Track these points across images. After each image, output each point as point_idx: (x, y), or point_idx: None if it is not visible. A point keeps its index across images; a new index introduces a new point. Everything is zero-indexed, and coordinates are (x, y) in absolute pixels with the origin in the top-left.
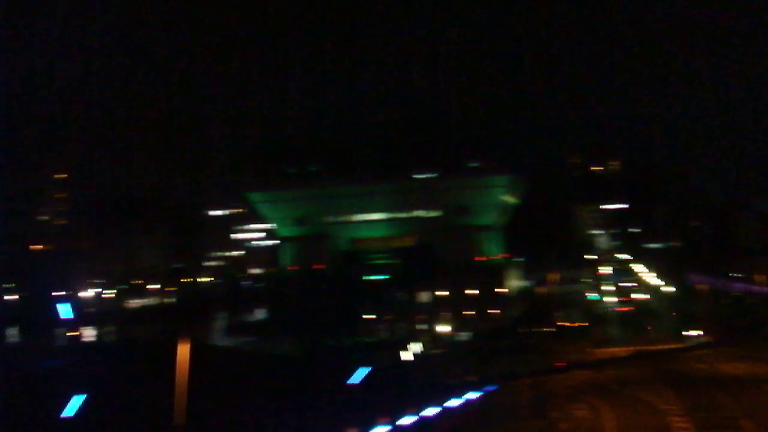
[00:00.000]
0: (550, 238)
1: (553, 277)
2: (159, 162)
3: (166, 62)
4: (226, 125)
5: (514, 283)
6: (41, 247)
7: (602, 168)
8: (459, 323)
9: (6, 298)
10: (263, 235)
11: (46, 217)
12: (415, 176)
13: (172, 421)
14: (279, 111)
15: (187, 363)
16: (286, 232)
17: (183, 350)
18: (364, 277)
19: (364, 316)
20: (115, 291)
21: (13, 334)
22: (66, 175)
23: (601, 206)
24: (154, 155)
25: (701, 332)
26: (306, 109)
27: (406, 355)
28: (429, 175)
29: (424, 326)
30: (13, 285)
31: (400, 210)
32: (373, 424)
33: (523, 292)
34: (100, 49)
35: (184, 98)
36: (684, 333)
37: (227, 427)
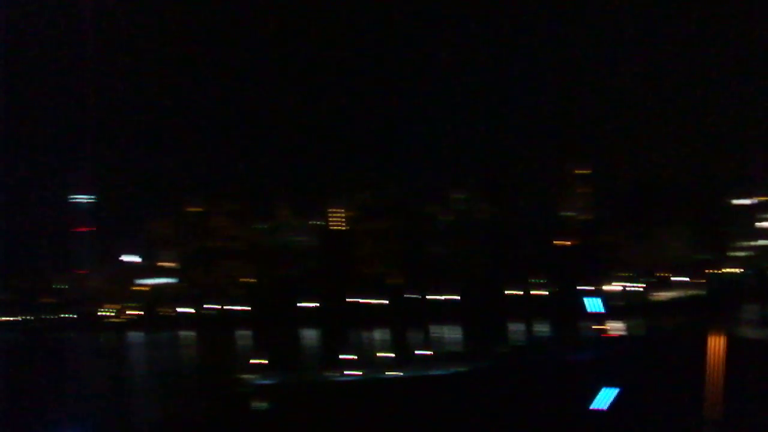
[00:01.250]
0: None
1: None
2: (682, 151)
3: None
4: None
5: None
6: (568, 242)
7: None
8: None
9: (535, 293)
10: None
11: (571, 213)
12: None
13: (704, 416)
14: None
15: (721, 356)
16: None
17: (716, 343)
18: None
19: None
20: (641, 284)
21: (543, 327)
22: (589, 171)
23: None
24: (676, 144)
25: None
26: None
27: None
28: None
29: None
30: (542, 280)
31: None
32: None
33: None
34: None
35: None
36: None
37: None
